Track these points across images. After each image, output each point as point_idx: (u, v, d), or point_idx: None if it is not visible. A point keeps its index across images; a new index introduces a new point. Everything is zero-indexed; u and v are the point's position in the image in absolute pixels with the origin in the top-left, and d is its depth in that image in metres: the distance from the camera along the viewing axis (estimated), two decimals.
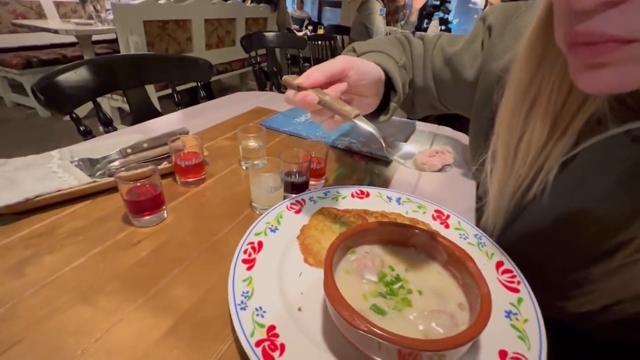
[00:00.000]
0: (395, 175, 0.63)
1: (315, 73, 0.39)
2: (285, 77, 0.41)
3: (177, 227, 0.45)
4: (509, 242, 0.42)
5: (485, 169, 0.43)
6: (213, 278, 0.37)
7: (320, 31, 4.21)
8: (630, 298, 0.29)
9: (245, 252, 0.37)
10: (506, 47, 0.44)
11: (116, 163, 0.53)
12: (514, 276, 0.35)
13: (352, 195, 0.49)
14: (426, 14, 3.82)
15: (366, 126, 0.37)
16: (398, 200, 0.49)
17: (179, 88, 1.11)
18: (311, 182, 0.55)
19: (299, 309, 0.32)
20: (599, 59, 0.22)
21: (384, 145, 0.38)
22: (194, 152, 0.53)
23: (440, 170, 0.35)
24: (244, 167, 0.60)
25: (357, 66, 0.42)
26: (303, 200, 0.46)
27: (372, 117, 0.51)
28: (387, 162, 0.67)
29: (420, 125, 0.88)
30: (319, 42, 2.93)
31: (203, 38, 2.62)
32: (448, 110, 0.61)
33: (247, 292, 0.32)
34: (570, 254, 0.36)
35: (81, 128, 0.79)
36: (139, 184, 0.42)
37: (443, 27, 3.75)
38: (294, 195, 0.47)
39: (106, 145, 0.59)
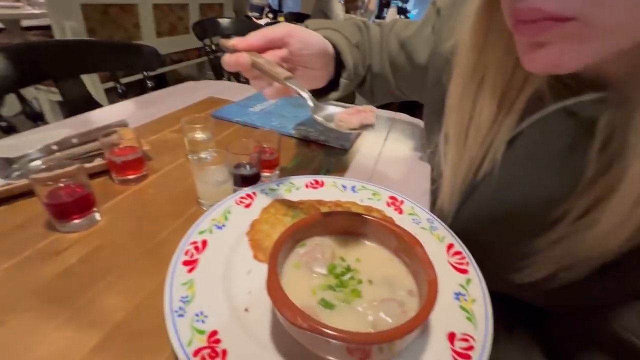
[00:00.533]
0: (352, 163, 0.62)
1: (253, 36, 0.38)
2: (221, 39, 0.40)
3: (112, 230, 0.40)
4: (462, 222, 0.43)
5: (438, 151, 0.43)
6: (152, 284, 0.34)
7: (281, 19, 4.10)
8: (572, 264, 0.31)
9: (186, 252, 0.34)
10: (453, 29, 0.44)
11: (38, 162, 0.46)
12: (463, 257, 0.36)
13: (307, 186, 0.47)
14: (385, 2, 3.85)
15: (297, 88, 0.36)
16: (353, 188, 0.48)
17: (129, 79, 1.02)
18: (264, 174, 0.52)
19: (246, 310, 0.30)
20: (539, 38, 0.23)
21: (311, 105, 0.37)
22: (131, 146, 0.48)
23: (359, 129, 0.35)
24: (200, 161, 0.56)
25: (300, 34, 0.41)
26: (254, 193, 0.44)
27: (322, 94, 0.50)
28: (344, 151, 0.66)
29: (378, 111, 0.88)
30: None
31: (153, 25, 2.44)
32: (406, 97, 0.61)
33: (187, 296, 0.29)
34: (519, 228, 0.37)
35: (2, 124, 0.70)
36: (61, 185, 0.37)
37: (401, 17, 3.81)
38: (244, 189, 0.44)
39: (29, 142, 0.52)
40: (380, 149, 0.69)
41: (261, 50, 0.39)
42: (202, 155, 0.50)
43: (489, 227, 0.41)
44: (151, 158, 0.56)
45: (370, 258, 0.33)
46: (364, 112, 0.36)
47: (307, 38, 0.42)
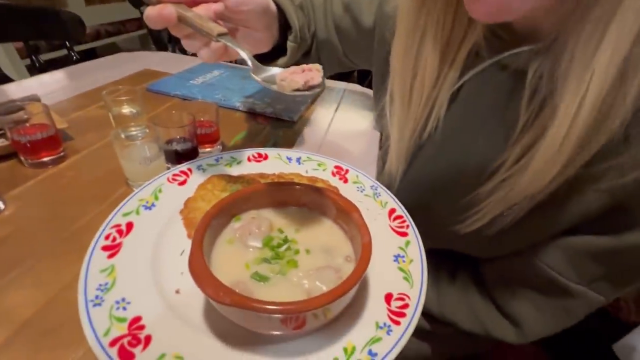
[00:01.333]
0: (300, 136, 0.60)
1: None
2: None
3: (20, 219, 0.35)
4: (409, 183, 0.43)
5: (385, 113, 0.42)
6: (69, 274, 0.30)
7: None
8: (509, 207, 0.32)
9: (107, 237, 0.30)
10: None
11: None
12: (403, 221, 0.36)
13: (249, 159, 0.45)
14: None
15: (233, 46, 0.32)
16: (298, 160, 0.46)
17: (55, 54, 0.89)
18: (204, 149, 0.49)
19: (177, 292, 0.28)
20: None
21: (251, 66, 0.33)
22: (41, 123, 0.42)
23: (304, 90, 0.32)
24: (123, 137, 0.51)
25: None
26: (189, 169, 0.40)
27: (267, 61, 0.46)
28: (292, 123, 0.63)
29: (329, 82, 0.86)
30: None
31: None
32: (354, 65, 0.59)
33: (106, 284, 0.26)
34: (462, 181, 0.38)
35: None
36: None
37: None
38: (178, 166, 0.40)
39: None
40: (330, 120, 0.67)
41: (191, 3, 0.34)
42: (132, 131, 0.45)
43: (434, 183, 0.42)
44: (72, 137, 0.49)
45: (309, 227, 0.32)
46: (309, 70, 0.33)
47: None
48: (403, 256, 0.32)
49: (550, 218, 0.33)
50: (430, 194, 0.41)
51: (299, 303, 0.22)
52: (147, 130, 0.44)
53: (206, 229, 0.27)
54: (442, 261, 0.46)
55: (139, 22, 2.72)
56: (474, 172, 0.35)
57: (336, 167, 0.45)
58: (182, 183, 0.39)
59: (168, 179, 0.39)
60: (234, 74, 0.80)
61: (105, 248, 0.29)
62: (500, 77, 0.33)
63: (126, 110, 0.50)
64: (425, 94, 0.37)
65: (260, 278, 0.26)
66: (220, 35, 0.32)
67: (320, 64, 0.60)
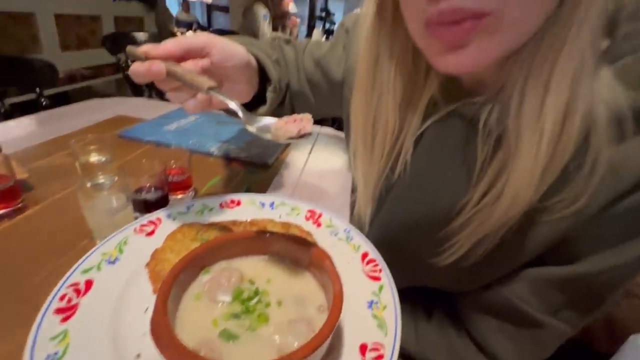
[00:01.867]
0: (274, 179, 0.61)
1: (169, 43, 0.35)
2: (129, 46, 0.35)
3: None
4: (379, 227, 0.44)
5: (350, 161, 0.44)
6: (14, 341, 0.27)
7: None
8: (483, 237, 0.34)
9: (62, 298, 0.28)
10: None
11: None
12: (376, 265, 0.37)
13: (221, 206, 0.45)
14: (313, 24, 4.03)
15: (223, 98, 0.34)
16: (272, 205, 0.47)
17: (25, 97, 0.87)
18: (175, 197, 0.48)
19: (138, 356, 0.26)
20: (461, 39, 0.25)
21: (242, 116, 0.34)
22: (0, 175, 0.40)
23: (297, 138, 0.33)
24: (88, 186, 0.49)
25: (222, 45, 0.39)
26: (158, 219, 0.39)
27: (248, 109, 0.48)
28: (267, 167, 0.64)
29: None
30: None
31: (56, 37, 2.17)
32: (327, 113, 0.62)
33: (55, 353, 0.24)
34: (434, 218, 0.39)
35: None
36: None
37: (329, 37, 4.02)
38: (145, 215, 0.39)
39: None
40: (304, 163, 0.69)
41: (178, 59, 0.35)
42: (100, 180, 0.44)
43: (406, 222, 0.43)
44: (32, 187, 0.47)
45: (281, 277, 0.31)
46: (301, 120, 0.35)
47: (230, 49, 0.40)
48: (377, 302, 0.32)
49: (515, 250, 0.34)
50: (403, 233, 0.42)
51: None
52: (116, 179, 0.43)
53: (172, 283, 0.26)
54: (419, 300, 0.46)
55: (116, 67, 2.75)
56: (444, 209, 0.37)
57: (310, 211, 0.46)
58: (150, 234, 0.38)
59: (135, 230, 0.37)
60: (208, 119, 0.81)
61: (58, 311, 0.27)
62: (456, 124, 0.36)
63: (94, 158, 0.49)
64: (388, 143, 0.39)
65: (229, 336, 0.25)
66: (211, 88, 0.33)
67: (294, 112, 0.63)
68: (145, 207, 0.42)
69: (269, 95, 0.49)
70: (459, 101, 0.34)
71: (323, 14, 3.99)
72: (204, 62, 0.36)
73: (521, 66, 0.26)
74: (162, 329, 0.21)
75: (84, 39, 2.42)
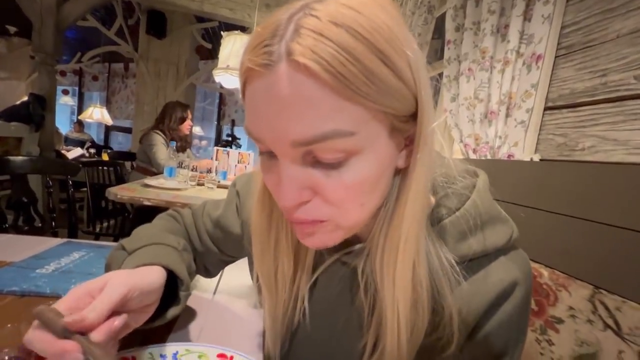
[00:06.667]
0: (177, 322, 0.55)
1: (93, 314, 0.31)
2: (39, 308, 0.30)
3: None
4: None
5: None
6: None
7: (105, 157, 3.80)
8: None
9: None
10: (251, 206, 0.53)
11: None
12: None
13: None
14: (221, 146, 4.34)
15: None
16: (175, 355, 0.42)
17: None
18: None
19: None
20: (310, 232, 0.33)
21: None
22: None
23: None
24: None
25: (139, 285, 0.37)
26: None
27: (158, 314, 0.44)
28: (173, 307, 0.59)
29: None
30: (103, 168, 2.59)
31: None
32: (235, 259, 0.62)
33: None
34: None
35: None
36: None
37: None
38: None
39: None
40: (211, 296, 0.66)
41: (89, 328, 0.31)
42: None
43: None
44: None
45: None
46: None
47: (148, 283, 0.39)
48: None
49: None
50: None
51: None
52: None
53: None
54: None
55: None
56: (347, 352, 0.40)
57: (219, 355, 0.43)
58: None
59: None
60: (98, 255, 0.73)
61: None
62: (341, 272, 0.41)
63: None
64: (287, 285, 0.42)
65: None
66: None
67: (207, 269, 0.63)
68: None
69: (182, 295, 0.48)
70: (339, 251, 0.40)
71: (229, 138, 4.37)
72: (118, 324, 0.33)
73: (380, 222, 0.34)
74: None
75: None
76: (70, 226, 1.55)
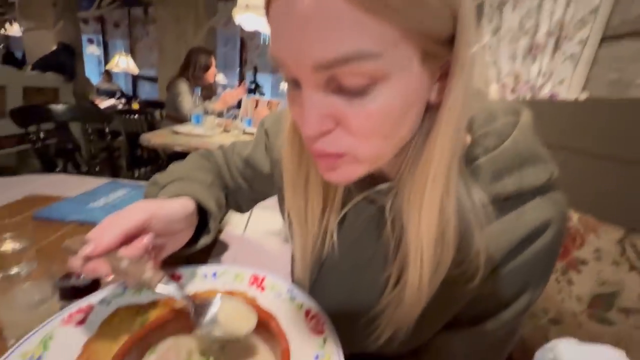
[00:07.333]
0: (214, 250, 0.61)
1: (108, 236, 0.34)
2: (66, 242, 0.35)
3: None
4: (316, 296, 0.47)
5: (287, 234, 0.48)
6: None
7: (135, 106, 3.92)
8: (400, 326, 0.38)
9: None
10: (280, 145, 0.53)
11: None
12: (319, 319, 0.40)
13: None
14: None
15: (174, 295, 0.34)
16: (214, 274, 0.47)
17: None
18: (108, 279, 0.45)
19: None
20: (331, 166, 0.32)
21: (191, 312, 0.34)
22: None
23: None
24: None
25: (161, 213, 0.40)
26: (89, 306, 0.37)
27: (190, 242, 0.48)
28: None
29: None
30: (135, 116, 2.69)
31: None
32: (266, 197, 0.64)
33: None
34: (360, 299, 0.44)
35: None
36: None
37: None
38: (74, 303, 0.37)
39: None
40: (242, 232, 0.71)
41: (118, 245, 0.35)
42: (15, 270, 0.40)
43: (339, 299, 0.46)
44: None
45: (232, 344, 0.33)
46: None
47: (170, 214, 0.41)
48: (322, 354, 0.35)
49: (437, 318, 0.40)
50: (337, 308, 0.44)
51: None
52: (36, 266, 0.40)
53: None
54: None
55: (18, 138, 2.47)
56: (368, 292, 0.42)
57: (253, 276, 0.48)
58: (81, 323, 0.35)
59: (62, 321, 0.35)
60: (139, 194, 0.80)
61: None
62: (369, 209, 0.41)
63: (8, 246, 0.44)
64: (317, 220, 0.44)
65: None
66: (159, 283, 0.34)
67: (240, 206, 0.66)
68: (74, 294, 0.40)
69: (212, 224, 0.51)
70: (367, 189, 0.40)
71: (252, 86, 4.30)
72: (147, 241, 0.37)
73: (408, 161, 0.33)
74: None
75: None
76: (111, 171, 1.67)
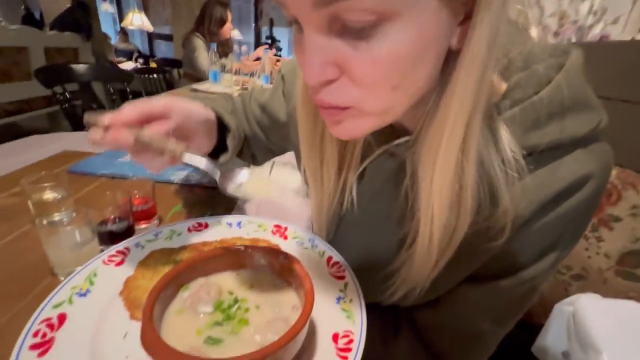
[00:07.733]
0: (237, 202, 0.63)
1: (128, 110, 0.34)
2: (87, 114, 0.34)
3: None
4: (337, 248, 0.48)
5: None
6: None
7: (153, 64, 3.90)
8: (414, 285, 0.38)
9: (36, 334, 0.28)
10: (294, 93, 0.51)
11: None
12: (340, 266, 0.41)
13: (189, 230, 0.46)
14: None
15: (196, 161, 0.35)
16: (239, 224, 0.49)
17: None
18: (140, 226, 0.48)
19: None
20: (334, 119, 0.30)
21: (218, 179, 0.36)
22: None
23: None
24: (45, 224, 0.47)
25: (181, 105, 0.40)
26: (126, 248, 0.40)
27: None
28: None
29: None
30: (153, 76, 2.68)
31: None
32: (283, 149, 0.64)
33: None
34: (377, 254, 0.43)
35: None
36: None
37: None
38: (113, 246, 0.40)
39: None
40: (265, 186, 0.72)
41: (140, 123, 0.35)
42: (57, 217, 0.43)
43: (357, 251, 0.46)
44: None
45: (257, 285, 0.34)
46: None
47: (189, 108, 0.41)
48: (344, 297, 0.36)
49: (456, 273, 0.38)
50: (355, 261, 0.44)
51: (252, 354, 0.24)
52: (75, 214, 0.43)
53: (154, 302, 0.27)
54: (385, 315, 0.48)
55: (47, 100, 2.55)
56: (385, 249, 0.41)
57: (275, 226, 0.49)
58: (120, 263, 0.38)
59: (103, 261, 0.38)
60: None
61: (34, 346, 0.27)
62: (389, 164, 0.39)
63: (49, 196, 0.47)
64: (333, 176, 0.43)
65: (213, 341, 0.27)
66: (183, 153, 0.34)
67: (254, 156, 0.66)
68: (111, 238, 0.43)
69: (230, 142, 0.51)
70: (388, 143, 0.38)
71: (269, 41, 4.12)
72: (168, 126, 0.36)
73: (428, 115, 0.30)
74: (152, 340, 0.23)
75: (7, 72, 2.23)
76: None
